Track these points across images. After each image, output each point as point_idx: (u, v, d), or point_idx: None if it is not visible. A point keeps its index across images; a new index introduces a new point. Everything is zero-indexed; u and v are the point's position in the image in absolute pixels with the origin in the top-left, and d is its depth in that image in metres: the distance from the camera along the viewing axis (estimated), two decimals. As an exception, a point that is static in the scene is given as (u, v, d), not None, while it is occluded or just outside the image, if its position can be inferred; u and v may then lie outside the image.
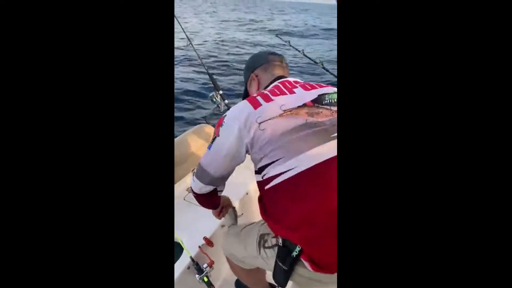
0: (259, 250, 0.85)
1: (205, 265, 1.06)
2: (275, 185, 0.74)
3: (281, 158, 0.73)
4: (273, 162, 0.74)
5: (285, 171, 0.72)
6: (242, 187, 1.53)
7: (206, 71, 1.67)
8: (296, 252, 0.72)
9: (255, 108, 0.76)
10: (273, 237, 0.82)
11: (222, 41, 10.37)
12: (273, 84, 0.88)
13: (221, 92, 1.62)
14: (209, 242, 1.17)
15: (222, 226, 1.30)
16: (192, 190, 0.91)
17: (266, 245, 0.84)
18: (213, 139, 0.80)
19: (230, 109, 0.82)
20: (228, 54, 8.41)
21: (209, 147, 0.81)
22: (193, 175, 0.89)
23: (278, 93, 0.80)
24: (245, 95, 1.03)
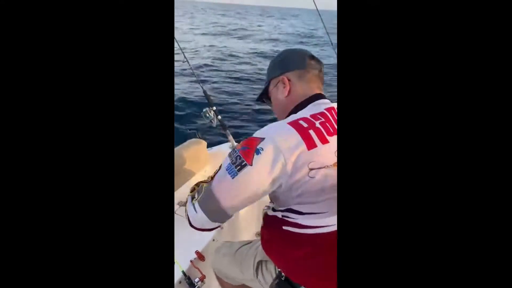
0: (257, 274, 0.85)
1: (196, 280, 1.07)
2: (303, 234, 0.67)
3: (324, 213, 0.66)
4: (313, 213, 0.66)
5: (323, 226, 0.66)
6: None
7: (201, 87, 1.71)
8: None
9: (309, 148, 0.62)
10: (273, 264, 0.81)
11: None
12: (319, 110, 0.71)
13: (214, 108, 1.66)
14: (200, 256, 1.19)
15: (214, 240, 1.31)
16: (189, 221, 0.71)
17: (264, 271, 0.83)
18: (241, 166, 0.61)
19: (271, 131, 0.65)
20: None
21: (231, 173, 0.62)
22: (191, 201, 0.69)
23: (332, 131, 0.67)
24: (263, 94, 0.89)
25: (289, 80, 0.79)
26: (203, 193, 0.68)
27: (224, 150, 1.79)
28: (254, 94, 5.79)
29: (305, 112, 0.71)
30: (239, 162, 0.62)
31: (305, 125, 0.65)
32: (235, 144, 1.78)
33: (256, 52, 10.67)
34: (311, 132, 0.65)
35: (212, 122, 1.66)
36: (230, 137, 1.77)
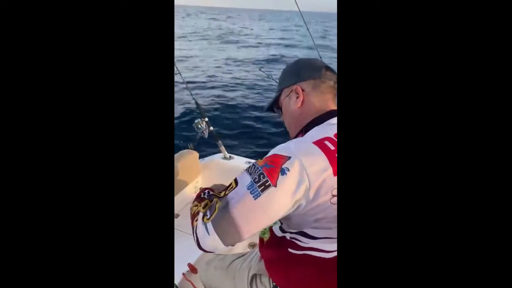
0: None
1: (189, 293, 1.05)
2: (311, 256, 0.66)
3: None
4: (326, 238, 0.64)
5: (334, 251, 0.64)
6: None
7: (193, 99, 1.72)
8: None
9: (335, 173, 0.58)
10: (267, 278, 0.80)
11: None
12: (334, 131, 0.65)
13: (206, 119, 1.67)
14: (193, 268, 1.17)
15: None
16: (198, 242, 0.61)
17: (259, 285, 0.82)
18: (264, 186, 0.56)
19: (297, 149, 0.59)
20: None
21: (254, 194, 0.56)
22: (202, 221, 0.61)
23: None
24: (273, 104, 0.84)
25: (302, 90, 0.74)
26: (217, 212, 0.59)
27: (216, 160, 1.79)
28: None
29: (326, 131, 0.65)
30: (262, 182, 0.56)
31: (332, 147, 0.61)
32: (228, 155, 1.78)
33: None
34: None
35: (204, 133, 1.66)
36: (222, 148, 1.78)
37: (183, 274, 1.14)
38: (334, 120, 0.71)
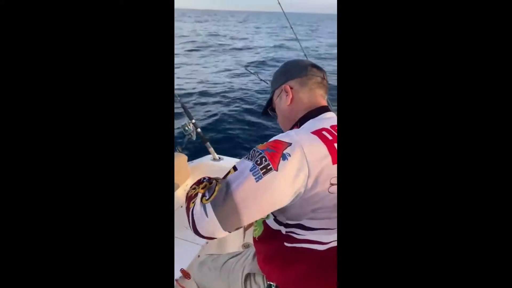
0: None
1: (183, 299, 1.03)
2: (307, 249, 0.66)
3: (335, 229, 0.64)
4: (323, 229, 0.64)
5: (331, 242, 0.65)
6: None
7: (180, 102, 1.69)
8: None
9: (334, 162, 0.59)
10: (261, 277, 0.80)
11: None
12: (331, 123, 0.68)
13: (193, 120, 1.65)
14: (186, 274, 1.15)
15: (199, 256, 1.28)
16: (194, 225, 0.58)
17: (253, 284, 0.82)
18: (266, 169, 0.56)
19: (298, 137, 0.61)
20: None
21: (256, 176, 0.56)
22: (201, 202, 0.58)
23: None
24: (268, 106, 0.88)
25: (291, 88, 0.78)
26: (217, 193, 0.57)
27: (205, 162, 1.77)
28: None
29: (322, 123, 0.68)
30: (264, 165, 0.56)
31: (330, 137, 0.63)
32: (217, 156, 1.76)
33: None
34: (336, 145, 0.62)
35: (191, 135, 1.64)
36: (211, 149, 1.76)
37: (176, 280, 1.12)
38: (329, 115, 0.74)
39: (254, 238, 0.81)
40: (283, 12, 1.80)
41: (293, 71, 0.80)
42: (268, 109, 0.88)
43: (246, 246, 1.65)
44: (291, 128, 0.77)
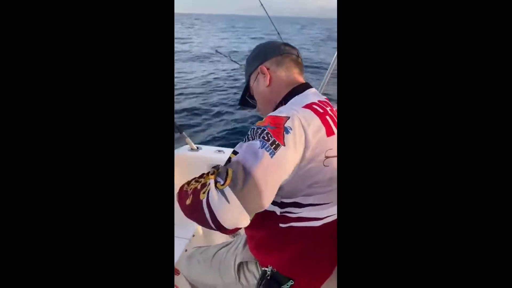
0: (239, 278, 0.80)
1: (173, 297, 0.99)
2: (302, 227, 0.64)
3: (328, 203, 0.64)
4: (318, 205, 0.63)
5: (325, 217, 0.64)
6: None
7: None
8: (287, 286, 0.68)
9: (328, 134, 0.60)
10: (254, 264, 0.78)
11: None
12: (321, 98, 0.69)
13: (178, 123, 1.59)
14: (175, 270, 1.10)
15: (186, 250, 1.23)
16: (212, 215, 0.51)
17: (247, 272, 0.79)
18: (275, 145, 0.53)
19: (293, 110, 0.59)
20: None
21: (269, 152, 0.53)
22: (216, 188, 0.52)
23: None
24: (245, 93, 0.84)
25: (267, 68, 0.75)
26: (234, 175, 0.51)
27: (183, 154, 1.69)
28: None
29: (309, 98, 0.67)
30: (272, 140, 0.54)
31: (321, 110, 0.63)
32: (195, 146, 1.69)
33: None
34: (328, 118, 0.62)
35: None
36: (188, 139, 1.69)
37: None
38: (312, 90, 0.73)
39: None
40: (268, 15, 1.74)
41: (267, 52, 0.77)
42: (247, 97, 0.85)
43: (234, 235, 1.62)
44: (275, 109, 0.72)
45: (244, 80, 0.86)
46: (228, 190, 0.50)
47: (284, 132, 0.55)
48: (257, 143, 0.54)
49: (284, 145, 0.54)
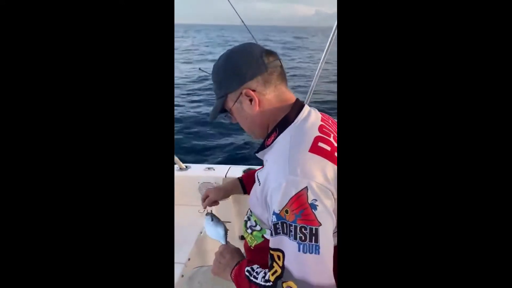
0: None
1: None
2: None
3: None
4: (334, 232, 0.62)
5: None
6: (194, 227, 1.43)
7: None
8: None
9: None
10: None
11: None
12: (318, 122, 0.65)
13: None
14: None
15: (182, 276, 1.18)
16: None
17: None
18: (315, 235, 0.52)
19: (304, 173, 0.55)
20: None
21: (314, 251, 0.52)
22: None
23: None
24: (218, 113, 0.73)
25: (253, 90, 0.65)
26: (299, 285, 0.53)
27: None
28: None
29: (309, 130, 0.63)
30: (308, 234, 0.52)
31: (328, 147, 0.59)
32: (183, 165, 1.65)
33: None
34: (334, 142, 0.61)
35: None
36: (176, 159, 1.65)
37: None
38: (306, 112, 0.67)
39: (247, 247, 0.75)
40: (243, 23, 1.74)
41: (248, 68, 0.64)
42: (220, 113, 0.74)
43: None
44: (269, 135, 0.69)
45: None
46: None
47: (313, 210, 0.52)
48: (297, 245, 0.52)
49: (321, 224, 0.52)
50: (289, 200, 0.53)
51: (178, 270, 1.17)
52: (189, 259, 1.26)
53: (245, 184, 1.02)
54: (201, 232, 1.42)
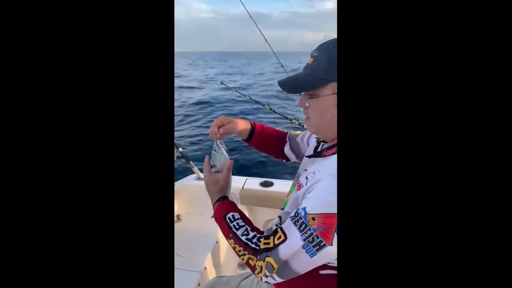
0: None
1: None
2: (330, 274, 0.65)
3: None
4: None
5: None
6: (210, 237, 1.45)
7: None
8: None
9: None
10: None
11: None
12: None
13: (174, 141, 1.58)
14: None
15: (199, 284, 1.20)
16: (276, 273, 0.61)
17: None
18: (319, 246, 0.55)
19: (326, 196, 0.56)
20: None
21: (310, 253, 0.56)
22: (265, 276, 0.62)
23: None
24: (306, 90, 0.64)
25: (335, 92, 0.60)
26: (278, 269, 0.60)
27: (189, 182, 1.69)
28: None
29: None
30: (317, 242, 0.55)
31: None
32: (201, 175, 1.69)
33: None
34: None
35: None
36: (195, 168, 1.69)
37: None
38: None
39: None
40: (272, 50, 1.80)
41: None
42: (305, 92, 0.65)
43: (242, 265, 1.58)
44: (329, 148, 0.67)
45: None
46: (275, 276, 0.61)
47: (335, 234, 0.53)
48: (299, 240, 0.57)
49: (331, 245, 0.54)
50: (324, 214, 0.55)
51: (194, 279, 1.19)
52: (205, 268, 1.27)
53: (254, 134, 0.92)
54: (217, 242, 1.44)
